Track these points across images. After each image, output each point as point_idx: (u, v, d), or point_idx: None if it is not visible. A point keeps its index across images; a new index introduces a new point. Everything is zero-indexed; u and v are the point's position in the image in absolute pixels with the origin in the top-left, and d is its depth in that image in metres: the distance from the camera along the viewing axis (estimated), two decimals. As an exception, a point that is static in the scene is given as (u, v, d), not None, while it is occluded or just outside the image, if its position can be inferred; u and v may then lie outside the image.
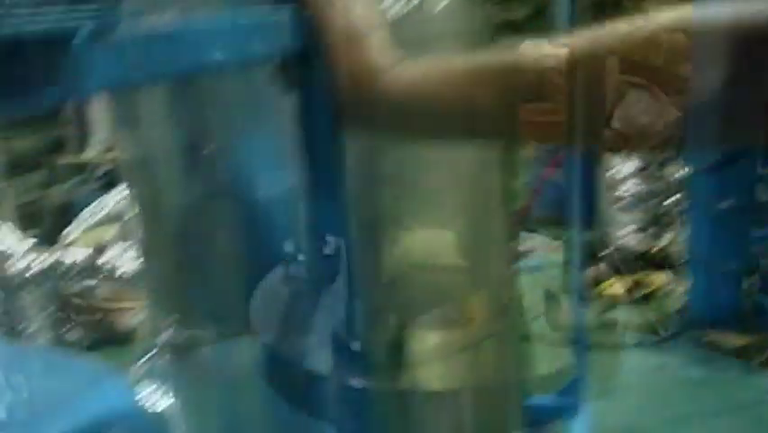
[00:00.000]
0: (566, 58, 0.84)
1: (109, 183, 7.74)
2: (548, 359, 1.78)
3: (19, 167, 8.39)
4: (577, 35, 0.90)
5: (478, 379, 1.43)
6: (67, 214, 7.62)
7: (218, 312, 1.60)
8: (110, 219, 6.78)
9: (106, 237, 6.12)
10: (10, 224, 3.32)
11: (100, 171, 7.98)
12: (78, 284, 3.12)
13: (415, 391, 1.41)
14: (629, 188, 5.88)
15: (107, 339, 5.85)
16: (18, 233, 3.34)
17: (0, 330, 3.34)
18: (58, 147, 8.40)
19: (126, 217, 6.90)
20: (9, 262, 3.06)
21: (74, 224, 6.45)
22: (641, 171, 5.93)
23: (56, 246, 3.30)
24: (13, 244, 3.14)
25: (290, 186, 1.25)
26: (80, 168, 8.10)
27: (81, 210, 6.78)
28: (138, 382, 3.49)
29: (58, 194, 8.09)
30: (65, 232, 6.25)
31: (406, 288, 1.39)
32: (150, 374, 3.56)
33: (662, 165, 5.88)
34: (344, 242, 1.22)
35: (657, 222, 5.91)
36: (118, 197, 6.93)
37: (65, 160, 8.07)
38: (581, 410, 1.79)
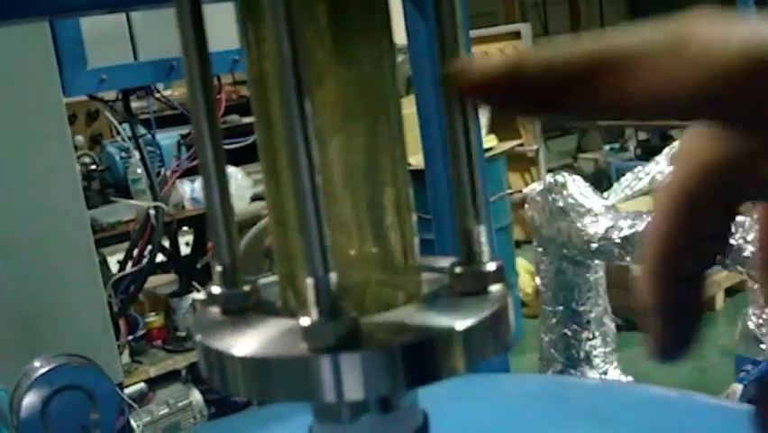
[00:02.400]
0: None
1: (647, 151, 6.98)
2: None
3: (552, 131, 7.96)
4: None
5: None
6: (600, 180, 7.05)
7: None
8: (649, 191, 5.99)
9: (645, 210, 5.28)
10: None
11: (636, 138, 7.22)
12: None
13: None
14: None
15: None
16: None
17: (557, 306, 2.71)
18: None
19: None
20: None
21: (610, 193, 5.75)
22: None
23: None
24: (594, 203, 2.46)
25: None
26: (615, 133, 7.40)
27: (617, 178, 6.12)
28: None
29: (591, 159, 7.49)
30: (601, 200, 5.51)
31: None
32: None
33: None
34: None
35: None
36: (659, 167, 6.11)
37: (600, 124, 7.41)
38: None
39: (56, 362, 1.07)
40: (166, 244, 4.39)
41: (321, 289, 0.38)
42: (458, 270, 0.43)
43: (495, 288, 0.43)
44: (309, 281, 0.38)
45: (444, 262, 0.47)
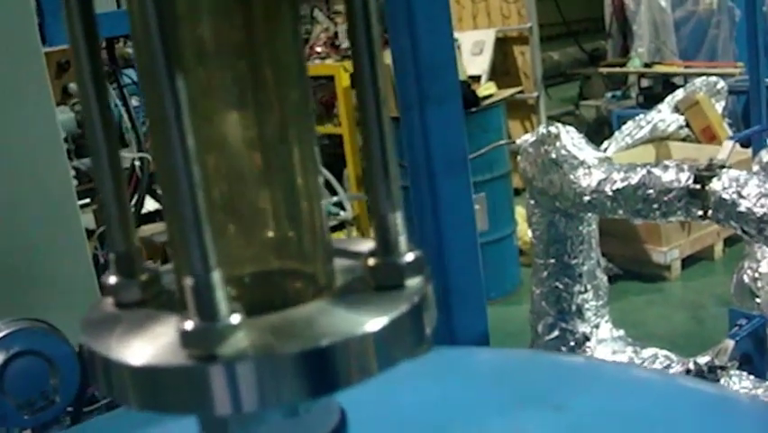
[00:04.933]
0: None
1: (649, 98, 6.85)
2: None
3: (554, 77, 7.84)
4: None
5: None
6: (602, 128, 6.93)
7: None
8: (650, 140, 5.89)
9: (646, 161, 5.22)
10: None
11: (639, 85, 7.07)
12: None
13: None
14: None
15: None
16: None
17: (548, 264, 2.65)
18: (596, 59, 7.66)
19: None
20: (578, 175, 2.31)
21: (611, 141, 5.66)
22: None
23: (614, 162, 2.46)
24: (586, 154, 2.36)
25: None
26: (618, 80, 7.26)
27: (619, 125, 6.01)
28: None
29: (593, 106, 7.37)
30: (601, 148, 5.45)
31: None
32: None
33: None
34: None
35: None
36: (661, 115, 6.00)
37: (603, 71, 7.28)
38: None
39: (14, 326, 1.03)
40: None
41: (201, 290, 0.33)
42: (372, 261, 0.39)
43: (413, 281, 0.39)
44: (188, 282, 0.33)
45: (364, 246, 0.42)
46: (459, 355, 0.83)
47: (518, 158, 2.58)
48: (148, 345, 0.36)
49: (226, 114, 0.38)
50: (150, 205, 4.25)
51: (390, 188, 0.38)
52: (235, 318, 0.34)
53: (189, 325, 0.34)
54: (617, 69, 7.09)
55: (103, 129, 0.39)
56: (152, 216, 4.61)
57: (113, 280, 0.41)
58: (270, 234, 0.39)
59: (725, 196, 2.12)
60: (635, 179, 2.32)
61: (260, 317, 0.36)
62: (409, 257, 0.39)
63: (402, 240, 0.39)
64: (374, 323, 0.36)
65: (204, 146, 0.36)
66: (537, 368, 0.74)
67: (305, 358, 0.34)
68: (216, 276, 0.33)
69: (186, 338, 0.34)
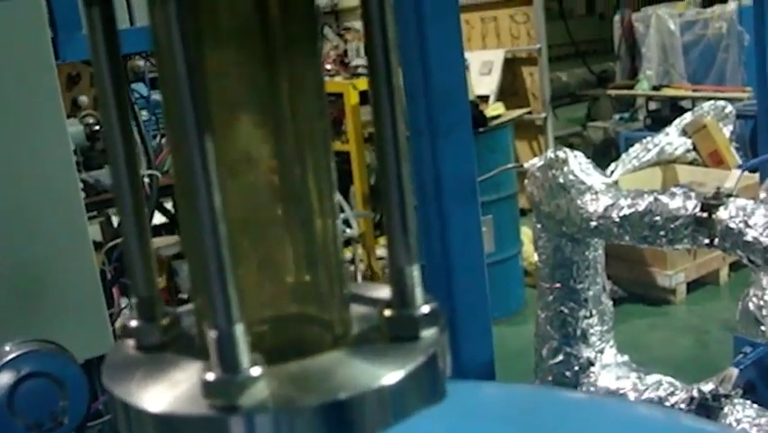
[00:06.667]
0: None
1: (657, 121, 6.86)
2: None
3: (562, 98, 7.87)
4: None
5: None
6: (609, 150, 6.94)
7: None
8: (657, 163, 5.91)
9: (653, 184, 5.22)
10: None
11: (647, 108, 7.09)
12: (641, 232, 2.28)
13: None
14: None
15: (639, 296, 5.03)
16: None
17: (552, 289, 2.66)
18: (604, 80, 7.69)
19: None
20: (585, 200, 2.31)
21: (618, 163, 5.67)
22: None
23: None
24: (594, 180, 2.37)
25: None
26: (626, 102, 7.28)
27: (626, 147, 6.03)
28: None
29: (600, 128, 7.39)
30: (608, 171, 5.45)
31: None
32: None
33: None
34: None
35: None
36: (668, 138, 6.02)
37: (611, 93, 7.30)
38: None
39: (24, 348, 1.04)
40: (169, 206, 4.37)
41: (223, 342, 0.34)
42: (388, 312, 0.40)
43: (428, 332, 0.40)
44: (212, 334, 0.34)
45: (380, 292, 0.43)
46: (465, 390, 0.83)
47: (526, 181, 2.59)
48: (169, 393, 0.37)
49: (247, 161, 0.39)
50: (157, 219, 4.26)
51: (408, 241, 0.39)
52: (256, 371, 0.35)
53: (211, 376, 0.35)
54: (626, 92, 7.11)
55: (129, 183, 0.40)
56: (158, 230, 4.63)
57: (134, 323, 0.42)
58: (289, 280, 0.40)
59: (731, 225, 2.12)
60: (641, 206, 2.33)
61: (278, 366, 0.37)
62: (425, 309, 0.40)
63: (418, 292, 0.40)
64: (391, 376, 0.37)
65: (225, 194, 0.37)
66: (544, 406, 0.74)
67: (323, 411, 0.35)
68: (239, 329, 0.34)
69: (207, 388, 0.35)
